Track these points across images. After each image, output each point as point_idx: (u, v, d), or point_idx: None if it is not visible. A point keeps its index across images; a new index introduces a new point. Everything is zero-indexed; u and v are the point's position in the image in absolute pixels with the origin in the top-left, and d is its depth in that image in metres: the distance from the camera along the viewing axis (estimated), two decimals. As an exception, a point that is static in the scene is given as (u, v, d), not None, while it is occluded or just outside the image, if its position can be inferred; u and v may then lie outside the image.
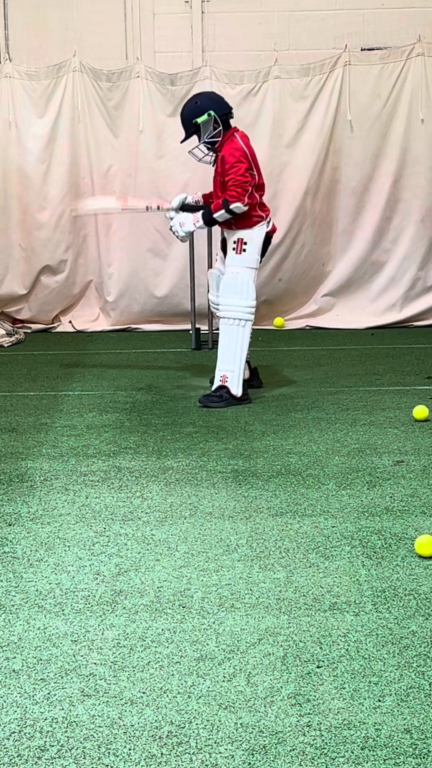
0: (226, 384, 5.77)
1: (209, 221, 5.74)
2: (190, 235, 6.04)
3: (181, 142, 6.05)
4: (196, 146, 5.87)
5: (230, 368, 5.78)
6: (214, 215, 5.68)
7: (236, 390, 5.77)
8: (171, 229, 5.92)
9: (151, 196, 8.60)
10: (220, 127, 5.74)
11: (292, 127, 8.61)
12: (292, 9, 8.76)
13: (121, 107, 8.68)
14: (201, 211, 5.79)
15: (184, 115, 5.87)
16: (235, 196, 5.58)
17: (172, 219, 5.90)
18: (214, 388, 5.85)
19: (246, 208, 5.64)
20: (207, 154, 5.89)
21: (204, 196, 6.08)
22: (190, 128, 5.83)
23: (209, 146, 5.81)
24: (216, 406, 5.73)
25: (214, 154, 5.83)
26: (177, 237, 5.92)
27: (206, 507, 4.02)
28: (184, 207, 5.96)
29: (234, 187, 5.59)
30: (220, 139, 5.76)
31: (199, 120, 5.75)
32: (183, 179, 8.65)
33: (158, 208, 6.08)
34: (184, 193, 6.13)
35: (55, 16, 8.79)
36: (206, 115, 5.74)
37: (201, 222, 5.75)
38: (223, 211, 5.63)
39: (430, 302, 8.83)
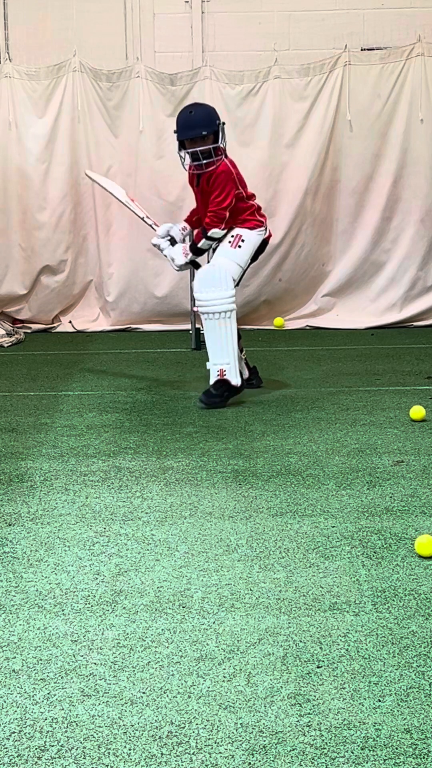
0: (225, 377, 5.72)
1: (196, 251, 5.79)
2: (188, 266, 5.91)
3: (186, 138, 5.62)
4: (197, 150, 5.60)
5: (225, 360, 5.72)
6: (198, 245, 5.76)
7: (236, 380, 5.74)
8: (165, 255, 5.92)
9: (152, 197, 8.67)
10: (220, 144, 5.65)
11: (292, 127, 8.61)
12: (292, 9, 8.76)
13: (121, 107, 8.68)
14: (190, 243, 5.83)
15: (207, 113, 5.68)
16: (210, 224, 5.65)
17: (162, 250, 5.88)
18: (212, 382, 5.75)
19: (224, 232, 5.70)
20: (197, 162, 5.64)
21: (187, 221, 6.03)
22: (211, 127, 5.61)
23: (202, 156, 5.61)
24: (219, 406, 5.71)
25: (199, 169, 5.67)
26: (174, 269, 5.92)
27: (206, 507, 4.02)
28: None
29: (212, 214, 5.63)
30: (214, 159, 5.61)
31: (219, 123, 5.68)
32: (183, 179, 8.61)
33: (152, 226, 6.06)
34: (170, 223, 6.06)
35: (55, 16, 8.78)
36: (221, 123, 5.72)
37: (190, 255, 5.80)
38: (204, 240, 5.72)
39: (430, 302, 8.83)
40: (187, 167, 5.82)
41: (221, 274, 5.68)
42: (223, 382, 5.73)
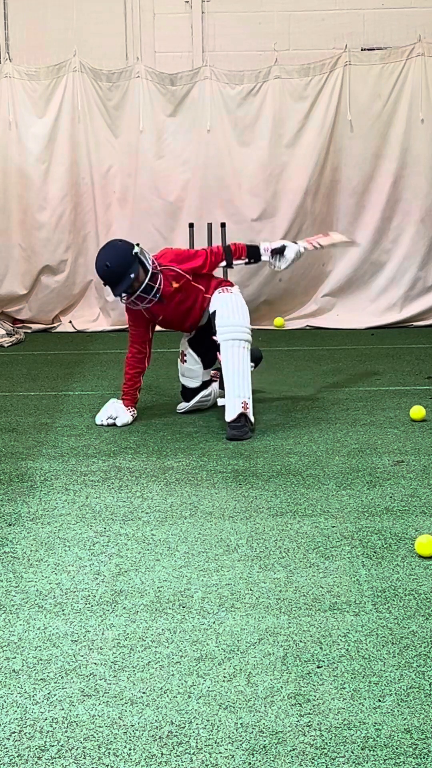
0: (246, 411, 5.09)
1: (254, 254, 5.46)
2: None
3: (123, 293, 5.15)
4: (139, 293, 5.17)
5: (248, 394, 5.13)
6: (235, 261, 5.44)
7: (252, 417, 5.16)
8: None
9: (152, 197, 8.67)
10: (150, 267, 5.19)
11: (292, 127, 8.61)
12: (292, 9, 8.76)
13: (121, 107, 8.69)
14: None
15: (119, 253, 5.18)
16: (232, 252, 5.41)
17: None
18: (234, 416, 5.06)
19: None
20: (151, 297, 5.22)
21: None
22: (134, 262, 5.14)
23: (148, 291, 5.19)
24: (248, 437, 5.07)
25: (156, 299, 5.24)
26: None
27: (206, 507, 4.02)
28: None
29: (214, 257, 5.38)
30: (160, 281, 5.21)
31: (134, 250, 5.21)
32: (183, 179, 8.66)
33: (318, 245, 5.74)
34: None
35: (55, 16, 8.79)
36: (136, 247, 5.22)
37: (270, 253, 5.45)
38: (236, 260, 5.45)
39: (430, 302, 8.83)
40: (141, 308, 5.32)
41: (241, 303, 5.34)
42: (243, 416, 5.09)
